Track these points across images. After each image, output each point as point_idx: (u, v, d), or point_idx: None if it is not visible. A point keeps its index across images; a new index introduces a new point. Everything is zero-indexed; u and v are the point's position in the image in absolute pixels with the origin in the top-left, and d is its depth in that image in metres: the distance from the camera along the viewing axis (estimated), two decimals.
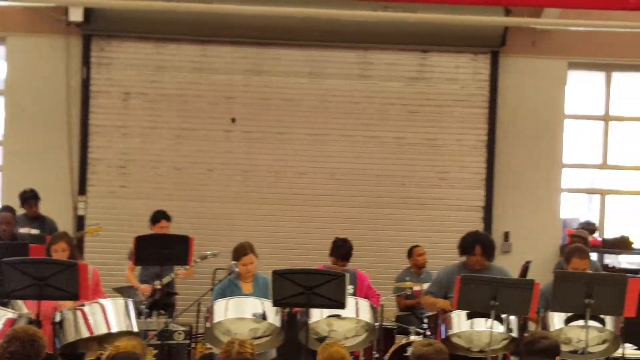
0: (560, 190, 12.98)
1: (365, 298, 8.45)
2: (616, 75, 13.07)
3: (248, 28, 12.21)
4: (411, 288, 10.29)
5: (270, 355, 8.10)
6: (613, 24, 11.82)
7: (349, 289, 8.17)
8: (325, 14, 11.60)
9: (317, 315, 7.75)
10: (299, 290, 7.37)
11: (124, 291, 9.81)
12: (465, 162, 12.57)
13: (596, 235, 12.93)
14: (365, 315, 7.94)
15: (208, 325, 7.78)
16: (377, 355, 9.26)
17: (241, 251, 8.12)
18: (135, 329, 7.53)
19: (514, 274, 10.64)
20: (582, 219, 13.61)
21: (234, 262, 8.15)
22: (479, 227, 12.19)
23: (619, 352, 8.12)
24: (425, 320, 9.68)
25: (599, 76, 13.09)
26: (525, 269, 11.35)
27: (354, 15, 11.63)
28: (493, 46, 12.51)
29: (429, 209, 12.52)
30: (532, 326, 8.30)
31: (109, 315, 7.39)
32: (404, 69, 12.56)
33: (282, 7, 11.59)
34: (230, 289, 8.07)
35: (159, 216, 10.44)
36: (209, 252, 9.60)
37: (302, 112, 12.56)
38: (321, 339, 7.71)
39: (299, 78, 12.54)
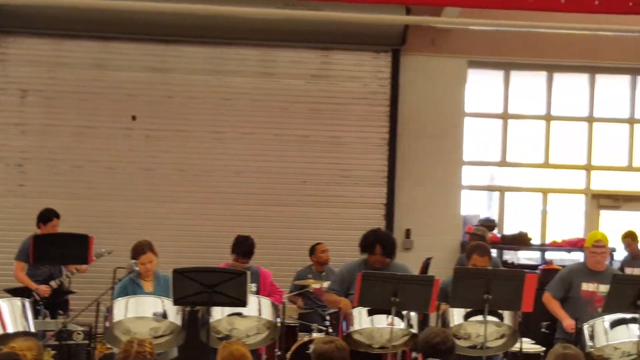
0: (460, 188, 13.15)
1: (269, 295, 8.46)
2: (514, 74, 13.28)
3: (150, 25, 12.09)
4: (310, 286, 10.33)
5: (172, 355, 8.04)
6: (511, 23, 12.00)
7: (252, 287, 8.15)
8: (228, 11, 11.54)
9: (219, 313, 7.71)
10: (200, 288, 7.31)
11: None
12: (367, 159, 12.63)
13: (495, 231, 13.12)
14: (267, 313, 7.93)
15: (107, 324, 7.68)
16: (279, 353, 9.25)
17: (139, 250, 8.03)
18: (32, 329, 7.40)
19: (415, 270, 10.75)
20: (482, 216, 13.83)
21: (133, 260, 8.06)
22: (381, 224, 12.27)
23: (516, 347, 8.27)
24: (328, 318, 9.71)
25: (497, 75, 13.29)
26: (426, 266, 11.46)
27: (257, 13, 11.61)
28: (394, 44, 12.60)
29: (332, 206, 12.55)
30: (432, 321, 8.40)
31: (4, 315, 7.25)
32: (307, 66, 12.58)
33: (185, 4, 11.49)
34: (131, 288, 7.98)
35: (50, 215, 10.18)
36: (103, 250, 9.47)
37: (204, 109, 12.48)
38: (223, 338, 7.68)
39: (202, 76, 12.46)
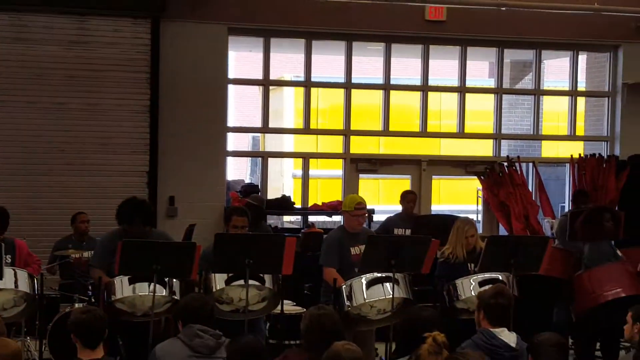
0: (224, 154, 13.16)
1: (26, 266, 8.26)
2: (275, 41, 13.38)
3: None
4: (70, 256, 10.14)
5: None
6: None
7: (7, 258, 7.92)
8: None
9: None
10: None
11: None
12: (128, 127, 12.39)
13: None
14: (24, 285, 7.73)
15: None
16: (39, 325, 9.04)
17: None
18: None
19: (179, 237, 10.74)
20: (246, 181, 13.96)
21: None
22: (144, 192, 12.12)
23: (278, 309, 8.41)
24: (90, 288, 9.56)
25: (258, 42, 13.37)
26: (189, 232, 11.44)
27: None
28: (153, 11, 12.40)
29: (93, 175, 12.26)
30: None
31: None
32: (62, 32, 12.15)
33: None
34: None
35: None
36: None
37: None
38: None
39: None
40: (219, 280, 7.94)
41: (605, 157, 13.76)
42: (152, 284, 7.52)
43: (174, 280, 7.83)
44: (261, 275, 7.97)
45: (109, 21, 12.27)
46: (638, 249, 9.39)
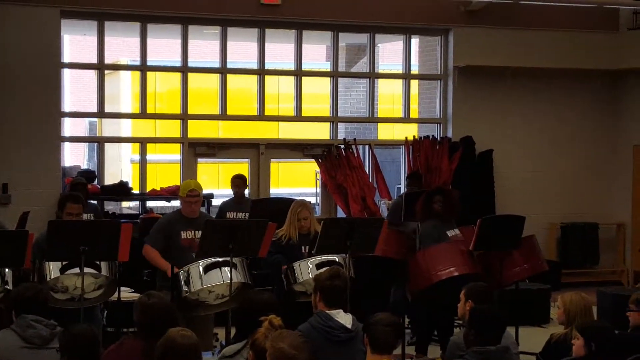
0: (60, 139, 12.88)
1: None
2: (109, 25, 13.15)
3: None
4: None
5: None
6: None
7: None
8: None
9: None
10: None
11: None
12: None
13: (96, 182, 13.05)
14: None
15: None
16: None
17: None
18: None
19: (14, 225, 10.48)
20: (83, 167, 13.70)
21: None
22: None
23: (115, 296, 8.32)
24: None
25: (92, 25, 13.11)
26: (23, 220, 11.17)
27: None
28: None
29: None
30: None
31: None
32: None
33: None
34: None
35: None
36: None
37: None
38: None
39: None
40: (53, 269, 7.79)
41: (438, 139, 14.15)
42: None
43: (6, 269, 7.63)
44: (97, 262, 7.87)
45: None
46: (471, 228, 9.63)
